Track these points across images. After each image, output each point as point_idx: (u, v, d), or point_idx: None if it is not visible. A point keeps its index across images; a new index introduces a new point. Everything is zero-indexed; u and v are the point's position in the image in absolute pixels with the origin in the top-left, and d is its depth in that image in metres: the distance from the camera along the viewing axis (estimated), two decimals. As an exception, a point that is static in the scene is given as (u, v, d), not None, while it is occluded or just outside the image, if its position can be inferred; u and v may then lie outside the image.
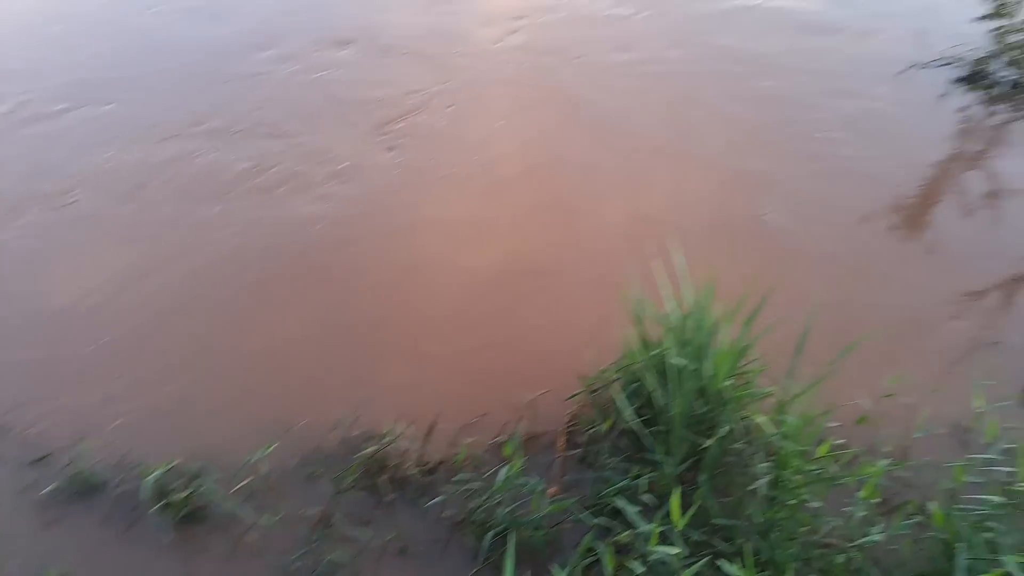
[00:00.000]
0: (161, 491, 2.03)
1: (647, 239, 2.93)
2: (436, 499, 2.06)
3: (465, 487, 2.06)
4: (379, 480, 2.11)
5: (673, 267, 2.19)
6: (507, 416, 2.33)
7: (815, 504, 1.84)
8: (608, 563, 1.67)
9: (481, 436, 2.27)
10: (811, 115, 3.89)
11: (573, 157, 3.60)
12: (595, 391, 2.31)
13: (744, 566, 1.61)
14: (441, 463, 2.19)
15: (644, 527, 1.74)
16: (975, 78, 4.10)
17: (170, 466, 2.09)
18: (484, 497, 2.00)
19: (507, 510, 1.96)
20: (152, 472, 2.05)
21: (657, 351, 2.13)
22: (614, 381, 2.26)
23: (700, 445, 1.96)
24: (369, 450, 2.14)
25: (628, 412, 2.05)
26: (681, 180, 3.44)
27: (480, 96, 4.10)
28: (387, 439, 2.16)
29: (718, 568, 1.70)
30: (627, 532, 1.83)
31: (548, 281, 2.86)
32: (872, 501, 1.76)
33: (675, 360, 2.00)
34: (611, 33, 4.78)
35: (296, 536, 2.00)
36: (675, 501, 1.64)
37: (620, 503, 1.88)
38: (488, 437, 2.28)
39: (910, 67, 4.14)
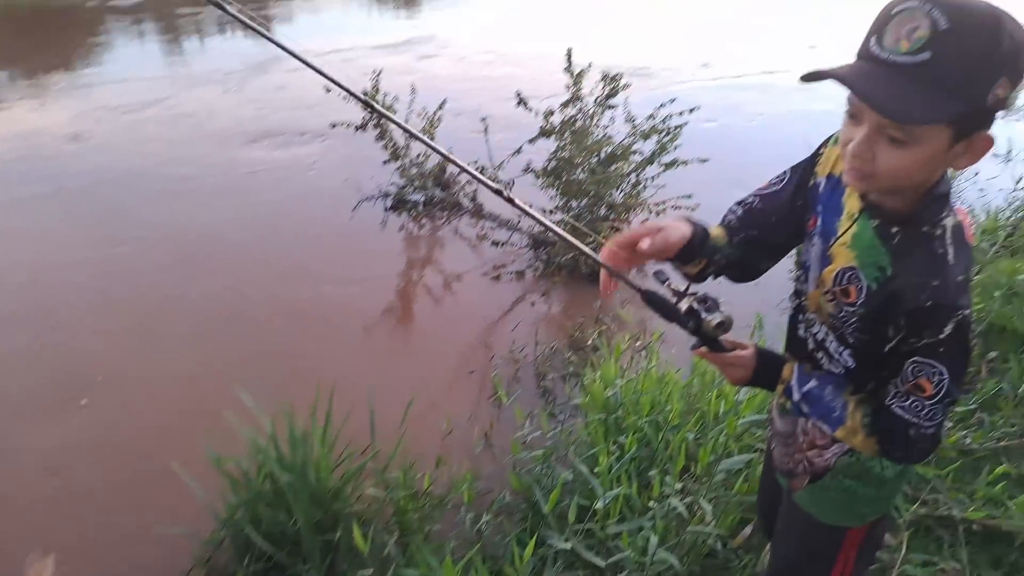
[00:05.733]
0: None
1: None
2: None
3: None
4: None
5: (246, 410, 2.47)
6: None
7: (437, 527, 2.35)
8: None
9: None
10: (298, 253, 4.66)
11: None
12: (208, 560, 2.37)
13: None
14: None
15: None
16: (401, 205, 5.51)
17: None
18: None
19: None
20: None
21: (258, 485, 2.35)
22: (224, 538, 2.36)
23: (332, 540, 2.26)
24: None
25: (258, 540, 2.21)
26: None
27: None
28: None
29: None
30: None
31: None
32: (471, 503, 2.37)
33: (284, 477, 2.27)
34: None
35: None
36: None
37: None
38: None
39: (360, 202, 5.32)
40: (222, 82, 8.24)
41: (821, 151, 1.26)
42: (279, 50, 1.45)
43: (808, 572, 1.48)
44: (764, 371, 1.31)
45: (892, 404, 1.13)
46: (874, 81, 0.93)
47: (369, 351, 3.82)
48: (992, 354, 3.06)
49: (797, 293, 1.32)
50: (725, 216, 1.37)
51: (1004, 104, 0.94)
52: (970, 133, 0.97)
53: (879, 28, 0.95)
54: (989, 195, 4.89)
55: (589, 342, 3.58)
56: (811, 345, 1.27)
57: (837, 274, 1.15)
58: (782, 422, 1.43)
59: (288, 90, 7.90)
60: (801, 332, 1.31)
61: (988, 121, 0.98)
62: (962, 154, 0.99)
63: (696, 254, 1.23)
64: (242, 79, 8.35)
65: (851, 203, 1.15)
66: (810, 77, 0.98)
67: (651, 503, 2.10)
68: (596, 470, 2.25)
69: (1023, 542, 2.16)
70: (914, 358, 1.07)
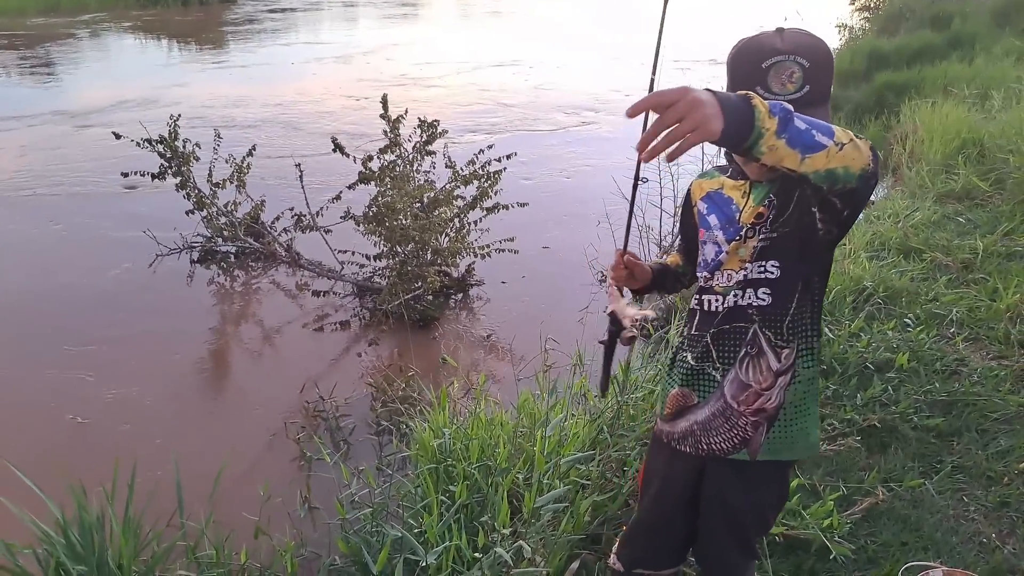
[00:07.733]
0: None
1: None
2: None
3: None
4: None
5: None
6: None
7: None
8: None
9: None
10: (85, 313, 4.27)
11: None
12: None
13: None
14: None
15: None
16: (209, 256, 5.25)
17: None
18: None
19: None
20: None
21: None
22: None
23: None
24: None
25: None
26: None
27: None
28: None
29: None
30: None
31: None
32: None
33: (78, 569, 2.07)
34: None
35: None
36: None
37: None
38: None
39: (157, 258, 5.00)
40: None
41: (689, 190, 1.70)
42: None
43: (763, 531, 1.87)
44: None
45: None
46: None
47: (179, 417, 3.58)
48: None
49: (702, 291, 1.62)
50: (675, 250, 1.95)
51: None
52: None
53: (760, 80, 1.35)
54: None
55: (403, 389, 3.61)
56: (731, 302, 1.54)
57: (755, 218, 1.51)
58: (706, 409, 1.59)
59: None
60: (719, 306, 1.57)
61: None
62: None
63: (663, 284, 1.83)
64: None
65: (735, 192, 1.55)
66: None
67: (476, 554, 2.15)
68: (427, 523, 2.27)
69: (818, 547, 2.47)
70: None
